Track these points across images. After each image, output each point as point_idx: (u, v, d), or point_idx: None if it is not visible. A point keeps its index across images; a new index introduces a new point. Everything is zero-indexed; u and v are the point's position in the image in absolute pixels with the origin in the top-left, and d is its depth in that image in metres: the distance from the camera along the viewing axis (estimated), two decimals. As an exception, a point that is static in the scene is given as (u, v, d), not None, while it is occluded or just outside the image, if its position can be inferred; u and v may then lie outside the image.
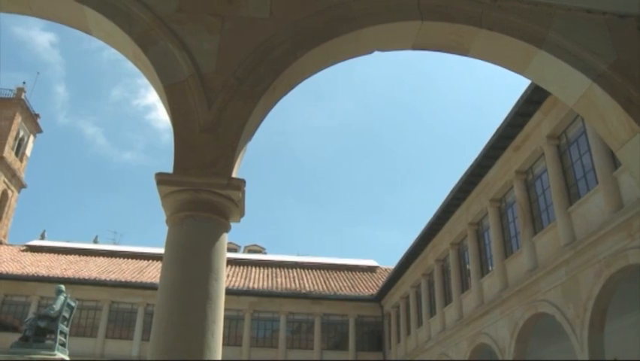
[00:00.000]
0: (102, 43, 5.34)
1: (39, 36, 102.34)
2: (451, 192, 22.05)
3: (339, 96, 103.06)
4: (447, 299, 24.57)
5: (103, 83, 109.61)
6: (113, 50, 5.28)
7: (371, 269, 40.48)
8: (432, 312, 26.20)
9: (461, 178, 21.04)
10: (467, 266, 22.86)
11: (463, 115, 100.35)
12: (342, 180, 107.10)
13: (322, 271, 38.87)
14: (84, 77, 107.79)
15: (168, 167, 4.18)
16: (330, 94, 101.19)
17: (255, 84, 4.46)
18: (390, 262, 35.31)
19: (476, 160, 19.61)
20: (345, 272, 39.23)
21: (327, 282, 36.28)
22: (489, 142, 18.51)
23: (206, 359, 3.63)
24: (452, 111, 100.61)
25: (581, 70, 4.73)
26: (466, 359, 21.16)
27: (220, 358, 3.77)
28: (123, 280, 34.01)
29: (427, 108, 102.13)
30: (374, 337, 34.17)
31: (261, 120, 4.67)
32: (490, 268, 20.64)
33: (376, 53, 5.22)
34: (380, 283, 34.87)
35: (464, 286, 22.95)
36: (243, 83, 4.45)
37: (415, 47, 5.20)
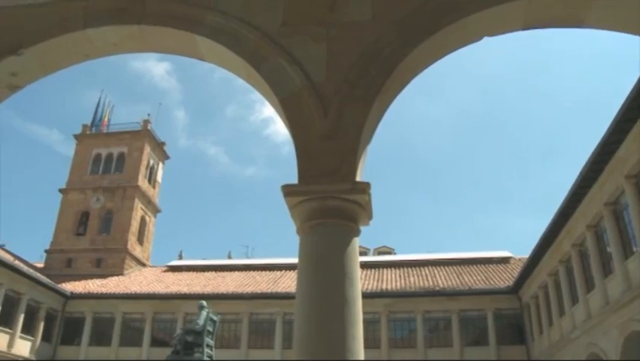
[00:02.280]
0: (213, 65, 5.59)
1: (155, 67, 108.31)
2: (581, 172, 20.89)
3: (452, 85, 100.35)
4: (589, 285, 23.25)
5: (217, 102, 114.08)
6: (223, 70, 5.52)
7: (504, 260, 39.14)
8: (574, 300, 24.90)
9: (590, 157, 19.89)
10: (607, 249, 21.54)
11: (588, 89, 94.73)
12: (467, 171, 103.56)
13: (455, 267, 38.05)
14: (200, 100, 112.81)
15: (291, 178, 4.29)
16: (443, 84, 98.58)
17: (367, 87, 4.47)
18: (524, 251, 33.95)
19: (605, 136, 18.47)
20: (478, 265, 38.18)
21: (460, 277, 35.50)
22: (617, 115, 17.38)
23: (349, 362, 3.67)
24: (575, 86, 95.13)
25: None
26: (619, 348, 19.87)
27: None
28: (259, 291, 35.18)
29: (547, 86, 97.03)
30: (515, 330, 32.92)
31: (378, 122, 4.67)
32: (634, 248, 19.32)
33: (485, 39, 5.06)
34: (515, 274, 33.62)
35: (607, 271, 21.60)
36: (355, 87, 4.47)
37: (525, 27, 4.96)
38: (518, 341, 32.37)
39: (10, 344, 32.37)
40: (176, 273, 42.26)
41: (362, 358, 3.78)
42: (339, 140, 4.29)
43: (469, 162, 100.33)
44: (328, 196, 4.13)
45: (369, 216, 4.34)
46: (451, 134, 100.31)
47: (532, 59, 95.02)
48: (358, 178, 4.23)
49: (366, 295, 30.52)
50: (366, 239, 49.86)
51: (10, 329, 32.47)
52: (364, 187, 4.14)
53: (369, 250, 49.09)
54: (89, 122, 48.90)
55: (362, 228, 4.34)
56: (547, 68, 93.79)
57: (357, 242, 4.18)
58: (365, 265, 37.88)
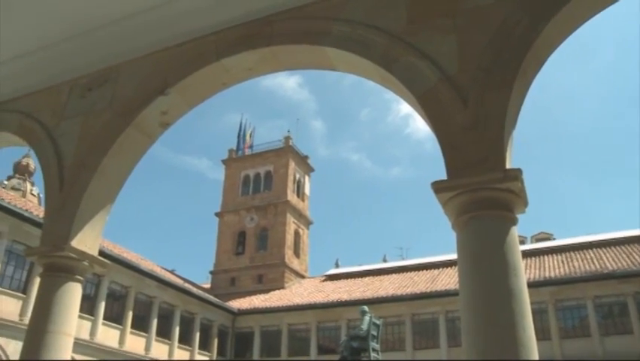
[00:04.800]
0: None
1: (286, 81, 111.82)
2: None
3: (593, 50, 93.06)
4: None
5: (352, 108, 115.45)
6: (352, 75, 5.59)
7: (680, 234, 35.77)
8: None
9: None
10: None
11: None
12: (624, 140, 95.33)
13: (622, 246, 35.26)
14: (334, 107, 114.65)
15: (439, 174, 4.23)
16: (583, 49, 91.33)
17: (503, 71, 4.30)
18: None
19: None
20: (650, 242, 35.17)
21: (630, 257, 32.84)
22: None
23: (523, 356, 3.53)
24: None
25: None
26: None
27: (537, 355, 3.64)
28: (418, 292, 34.96)
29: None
30: None
31: (521, 104, 4.47)
32: None
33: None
34: (695, 248, 30.59)
35: None
36: (491, 73, 4.33)
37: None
38: None
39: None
40: (334, 281, 43.16)
41: (535, 351, 3.63)
42: (482, 129, 4.16)
43: (625, 130, 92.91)
44: (480, 188, 4.02)
45: (525, 203, 4.17)
46: (600, 102, 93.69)
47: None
48: (508, 165, 4.08)
49: (530, 285, 28.78)
50: (522, 227, 47.99)
51: (190, 346, 35.05)
52: (516, 174, 3.98)
53: (526, 238, 47.26)
54: (233, 146, 51.55)
55: (518, 216, 4.17)
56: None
57: (515, 231, 4.03)
58: (524, 254, 36.27)
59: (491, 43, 4.42)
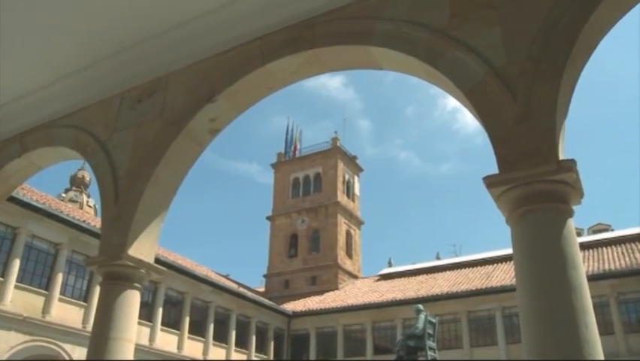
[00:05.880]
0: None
1: (330, 82, 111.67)
2: None
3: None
4: None
5: (397, 105, 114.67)
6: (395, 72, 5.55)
7: None
8: None
9: None
10: None
11: None
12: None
13: (684, 236, 34.01)
14: (379, 105, 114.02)
15: (490, 168, 4.16)
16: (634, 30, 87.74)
17: (552, 61, 4.18)
18: None
19: None
20: None
21: (695, 246, 31.63)
22: None
23: (586, 354, 3.43)
24: None
25: None
26: None
27: (601, 351, 3.53)
28: (474, 288, 34.52)
29: None
30: None
31: (572, 93, 4.35)
32: None
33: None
34: None
35: None
36: (539, 63, 4.22)
37: None
38: None
39: (248, 364, 35.35)
40: (388, 281, 43.01)
41: (600, 349, 3.52)
42: (533, 121, 4.07)
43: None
44: (533, 181, 3.93)
45: (581, 194, 4.06)
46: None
47: None
48: (561, 156, 3.96)
49: (589, 278, 27.67)
50: (579, 219, 46.55)
51: (246, 349, 35.49)
52: (570, 165, 3.87)
53: (583, 230, 46.09)
54: (281, 149, 51.94)
55: (574, 207, 4.07)
56: None
57: (572, 223, 3.93)
58: (582, 246, 35.20)
59: (539, 32, 4.30)
